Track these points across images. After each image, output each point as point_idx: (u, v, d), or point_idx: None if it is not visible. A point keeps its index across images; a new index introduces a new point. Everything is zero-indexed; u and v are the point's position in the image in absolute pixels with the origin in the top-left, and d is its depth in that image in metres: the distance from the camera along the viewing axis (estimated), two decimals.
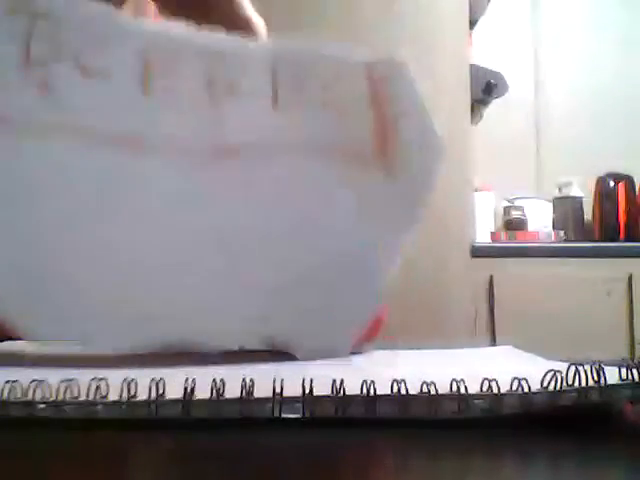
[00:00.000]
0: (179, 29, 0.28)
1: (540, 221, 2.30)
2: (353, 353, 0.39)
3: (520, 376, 0.28)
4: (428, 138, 0.28)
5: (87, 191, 0.26)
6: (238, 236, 0.26)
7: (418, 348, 0.49)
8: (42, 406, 0.27)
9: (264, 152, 0.27)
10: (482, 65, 2.28)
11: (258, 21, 0.68)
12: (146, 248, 0.26)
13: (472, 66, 2.02)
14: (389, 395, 0.28)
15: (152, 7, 0.74)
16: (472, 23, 2.17)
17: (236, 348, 0.27)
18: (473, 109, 2.09)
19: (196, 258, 0.26)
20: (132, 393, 0.27)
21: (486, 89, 2.35)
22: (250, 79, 0.27)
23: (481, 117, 2.45)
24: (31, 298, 0.25)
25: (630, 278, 2.00)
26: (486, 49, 2.39)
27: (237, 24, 0.67)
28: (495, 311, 1.96)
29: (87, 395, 0.27)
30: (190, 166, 0.26)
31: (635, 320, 1.98)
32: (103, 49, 0.27)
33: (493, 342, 1.87)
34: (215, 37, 0.28)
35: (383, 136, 0.27)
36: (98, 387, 0.27)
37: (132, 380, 0.28)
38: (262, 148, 0.27)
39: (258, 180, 0.27)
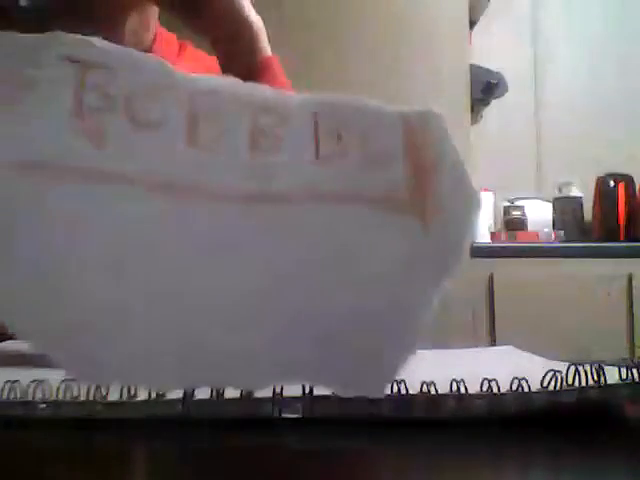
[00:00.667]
0: (224, 81, 0.29)
1: (540, 221, 2.30)
2: None
3: (520, 376, 0.28)
4: (463, 189, 0.28)
5: (133, 236, 0.26)
6: (280, 280, 0.27)
7: (418, 348, 0.49)
8: (42, 406, 0.27)
9: (306, 200, 0.27)
10: (482, 65, 2.28)
11: (256, 20, 0.68)
12: (188, 288, 0.27)
13: (472, 66, 2.02)
14: (389, 395, 0.28)
15: (155, 11, 0.74)
16: (472, 23, 2.17)
17: (274, 384, 0.27)
18: (473, 109, 2.09)
19: (237, 299, 0.27)
20: (132, 393, 0.28)
21: (486, 89, 2.35)
22: (292, 130, 0.28)
23: (481, 117, 2.46)
24: (75, 343, 0.26)
25: (630, 278, 2.00)
26: (486, 49, 2.39)
27: (235, 23, 0.66)
28: (495, 311, 1.96)
29: (87, 395, 0.27)
30: (235, 212, 0.27)
31: (635, 320, 1.98)
32: (153, 100, 0.27)
33: (493, 342, 1.87)
34: (259, 89, 0.29)
35: (419, 187, 0.28)
36: (98, 387, 0.27)
37: None
38: (304, 197, 0.28)
39: (300, 227, 0.27)
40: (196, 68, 0.70)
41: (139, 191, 0.26)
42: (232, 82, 0.29)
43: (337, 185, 0.28)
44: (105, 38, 0.28)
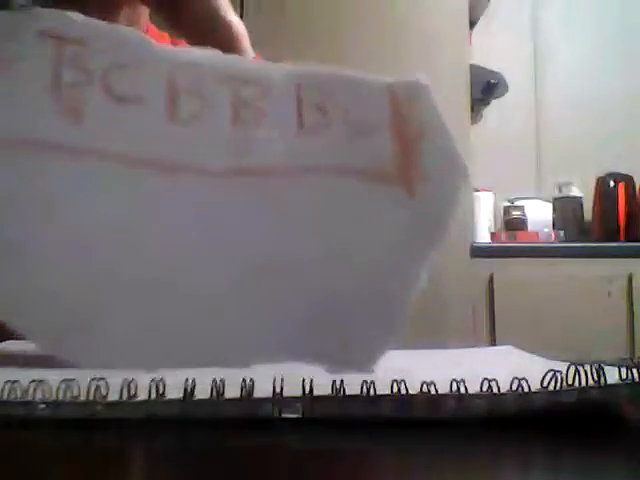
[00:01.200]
0: (205, 53, 0.28)
1: (540, 221, 2.30)
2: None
3: (520, 376, 0.28)
4: (450, 159, 0.28)
5: (115, 212, 0.26)
6: (267, 255, 0.27)
7: (418, 348, 0.49)
8: (42, 406, 0.27)
9: (290, 174, 0.27)
10: (482, 65, 2.28)
11: (236, 21, 0.67)
12: (175, 269, 0.26)
13: (472, 66, 2.02)
14: (389, 395, 0.28)
15: (145, 8, 0.74)
16: (472, 23, 2.17)
17: (265, 363, 0.27)
18: (473, 109, 2.09)
19: (225, 278, 0.26)
20: (132, 393, 0.27)
21: (486, 89, 2.35)
22: (275, 102, 0.28)
23: (481, 117, 2.46)
24: (64, 326, 0.25)
25: (630, 278, 2.00)
26: (486, 49, 2.39)
27: (211, 22, 0.66)
28: (495, 311, 1.96)
29: (87, 395, 0.27)
30: (219, 188, 0.27)
31: (635, 320, 1.98)
32: (133, 74, 0.27)
33: (493, 342, 1.87)
34: (239, 61, 0.29)
35: (405, 158, 0.28)
36: (98, 387, 0.27)
37: (132, 380, 0.28)
38: (289, 169, 0.27)
39: (286, 200, 0.27)
40: None
41: (120, 168, 0.26)
42: (214, 54, 0.28)
43: (322, 157, 0.27)
44: None
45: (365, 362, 0.26)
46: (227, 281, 0.26)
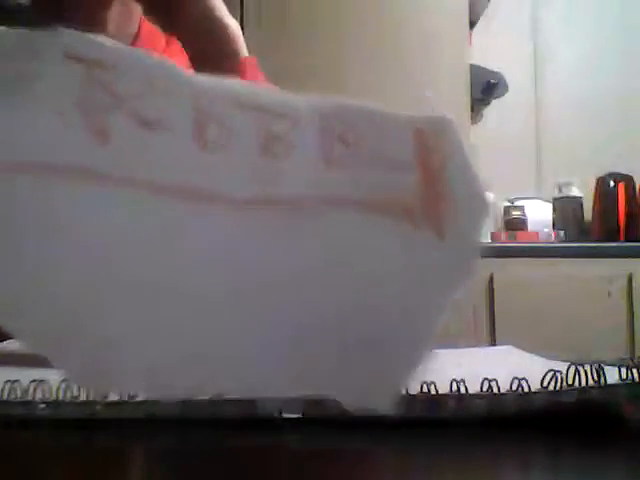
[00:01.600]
0: (228, 82, 0.28)
1: (540, 221, 2.30)
2: None
3: (520, 376, 0.28)
4: (475, 195, 0.28)
5: (141, 239, 0.26)
6: (286, 284, 0.27)
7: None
8: (42, 406, 0.27)
9: (314, 206, 0.27)
10: (482, 65, 2.28)
11: (232, 23, 0.67)
12: (198, 293, 0.26)
13: (472, 66, 2.02)
14: None
15: (137, 9, 0.74)
16: (472, 23, 2.17)
17: (278, 395, 0.27)
18: (473, 109, 2.09)
19: (247, 304, 0.26)
20: (132, 393, 0.27)
21: (486, 89, 2.35)
22: (300, 134, 0.28)
23: (481, 117, 2.46)
24: (81, 347, 0.25)
25: (630, 278, 2.00)
26: (486, 49, 2.39)
27: (210, 25, 0.66)
28: (495, 311, 1.96)
29: (87, 395, 0.27)
30: (243, 218, 0.27)
31: (635, 320, 1.98)
32: (160, 101, 0.27)
33: (493, 342, 1.87)
34: (264, 92, 0.29)
35: (431, 193, 0.28)
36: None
37: None
38: (312, 203, 0.27)
39: (307, 231, 0.27)
40: (183, 63, 0.69)
41: (144, 194, 0.26)
42: (239, 83, 0.29)
43: (346, 190, 0.27)
44: (87, 27, 0.27)
45: (385, 401, 0.26)
46: (245, 310, 0.26)
